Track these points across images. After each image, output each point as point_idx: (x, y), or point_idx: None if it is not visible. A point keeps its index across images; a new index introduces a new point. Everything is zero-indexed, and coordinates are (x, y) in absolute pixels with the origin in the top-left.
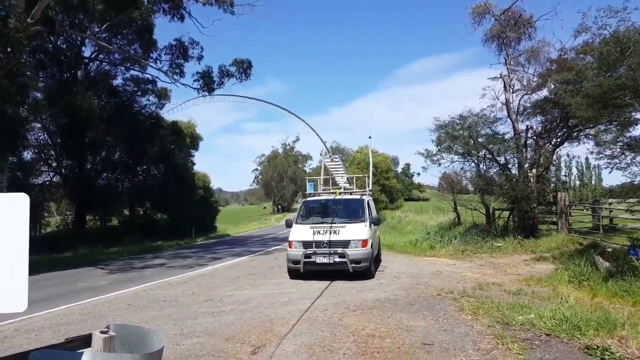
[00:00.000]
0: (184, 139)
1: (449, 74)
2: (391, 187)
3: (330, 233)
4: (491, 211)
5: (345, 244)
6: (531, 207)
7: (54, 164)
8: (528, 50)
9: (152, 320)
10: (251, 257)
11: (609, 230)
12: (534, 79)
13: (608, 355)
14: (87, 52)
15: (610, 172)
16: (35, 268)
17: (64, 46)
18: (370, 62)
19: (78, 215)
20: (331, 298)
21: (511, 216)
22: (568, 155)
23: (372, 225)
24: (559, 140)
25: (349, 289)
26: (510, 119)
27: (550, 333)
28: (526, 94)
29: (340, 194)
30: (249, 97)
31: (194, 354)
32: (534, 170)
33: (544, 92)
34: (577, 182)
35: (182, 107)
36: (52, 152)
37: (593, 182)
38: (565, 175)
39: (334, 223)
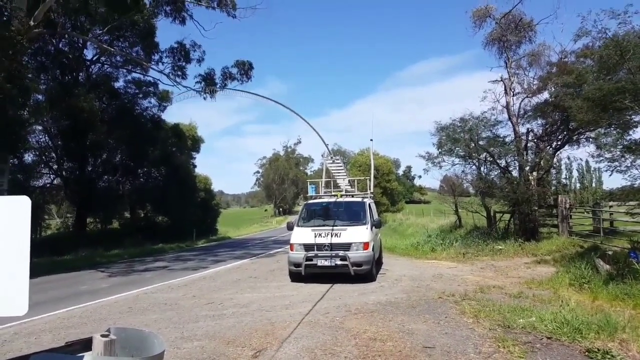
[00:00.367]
0: (185, 141)
1: (450, 76)
2: (392, 189)
3: (331, 236)
4: (492, 214)
5: (347, 246)
6: (532, 210)
7: (55, 167)
8: (529, 54)
9: (152, 324)
10: (252, 260)
11: (609, 233)
12: (535, 82)
13: (609, 358)
14: (89, 54)
15: (610, 175)
16: (35, 271)
17: (66, 48)
18: (370, 64)
19: (79, 218)
20: (332, 301)
21: (512, 219)
22: (569, 158)
23: (374, 228)
24: (559, 143)
25: (351, 291)
26: (511, 122)
27: (551, 336)
28: (527, 97)
29: (341, 196)
30: (252, 93)
31: (195, 357)
32: (534, 173)
33: (545, 95)
34: (578, 185)
35: (189, 96)
36: (53, 155)
37: (594, 185)
38: (565, 178)
39: (336, 226)
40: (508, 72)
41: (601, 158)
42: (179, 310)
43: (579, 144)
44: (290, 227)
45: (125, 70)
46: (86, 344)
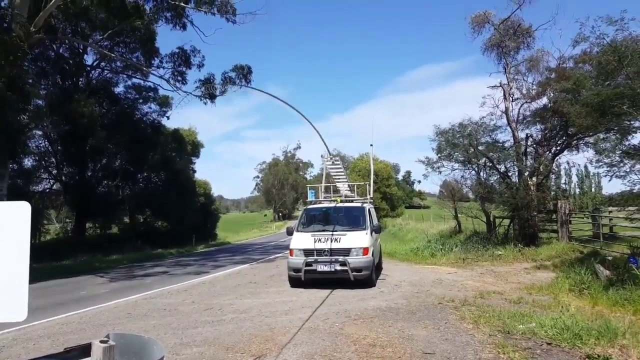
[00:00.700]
0: (185, 146)
1: (450, 81)
2: (392, 194)
3: (331, 241)
4: (492, 219)
5: (347, 252)
6: (531, 215)
7: (55, 172)
8: (527, 59)
9: (152, 329)
10: (252, 265)
11: (609, 239)
12: (534, 88)
13: None
14: (89, 59)
15: (609, 180)
16: (34, 276)
17: (66, 54)
18: (370, 69)
19: (78, 223)
20: (332, 307)
21: (512, 224)
22: (568, 163)
23: (373, 233)
24: (558, 148)
25: (350, 297)
26: (510, 127)
27: (551, 342)
28: (526, 102)
29: (341, 201)
30: (257, 89)
31: None
32: (534, 179)
33: (544, 101)
34: (577, 190)
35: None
36: (53, 160)
37: (593, 190)
38: (565, 183)
39: (335, 231)
40: (507, 77)
41: (600, 163)
42: (178, 316)
43: (578, 149)
44: (289, 232)
45: (125, 76)
46: (85, 350)
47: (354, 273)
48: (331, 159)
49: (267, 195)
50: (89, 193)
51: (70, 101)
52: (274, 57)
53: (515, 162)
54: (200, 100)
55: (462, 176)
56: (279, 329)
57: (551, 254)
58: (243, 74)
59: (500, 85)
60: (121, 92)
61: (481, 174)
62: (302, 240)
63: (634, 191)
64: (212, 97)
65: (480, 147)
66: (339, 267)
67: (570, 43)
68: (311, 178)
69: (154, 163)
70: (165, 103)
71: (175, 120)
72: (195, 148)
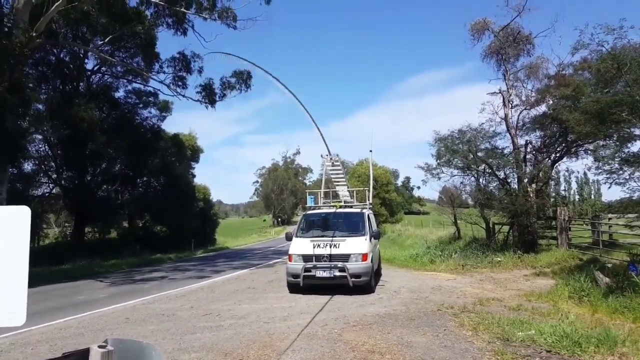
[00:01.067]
0: (185, 151)
1: (450, 88)
2: (391, 200)
3: (330, 247)
4: (491, 225)
5: (346, 257)
6: (531, 221)
7: (54, 176)
8: (527, 66)
9: (150, 335)
10: (250, 271)
11: (608, 246)
12: (533, 95)
13: None
14: (89, 64)
15: (609, 188)
16: (33, 280)
17: (67, 58)
18: (370, 75)
19: (77, 227)
20: (331, 313)
21: (511, 231)
22: (567, 170)
23: (372, 239)
24: (558, 155)
25: (349, 303)
26: (510, 134)
27: (550, 349)
28: (525, 109)
29: (340, 207)
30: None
31: None
32: (533, 185)
33: (543, 108)
34: (577, 197)
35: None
36: (53, 164)
37: (592, 197)
38: (564, 190)
39: (335, 237)
40: (506, 84)
41: (600, 170)
42: (176, 321)
43: (577, 156)
44: (288, 238)
45: (125, 80)
46: (83, 355)
47: (353, 279)
48: (331, 159)
49: (266, 201)
50: (88, 197)
51: (70, 105)
52: (275, 63)
53: (514, 169)
54: (201, 104)
55: (461, 182)
56: (277, 335)
57: (551, 261)
58: (243, 79)
59: (500, 92)
60: (121, 96)
61: (480, 180)
62: (301, 245)
63: (634, 198)
64: (212, 102)
65: (479, 154)
66: (337, 273)
67: (569, 50)
68: (310, 183)
69: (154, 168)
70: (165, 108)
71: (176, 125)
72: (194, 153)
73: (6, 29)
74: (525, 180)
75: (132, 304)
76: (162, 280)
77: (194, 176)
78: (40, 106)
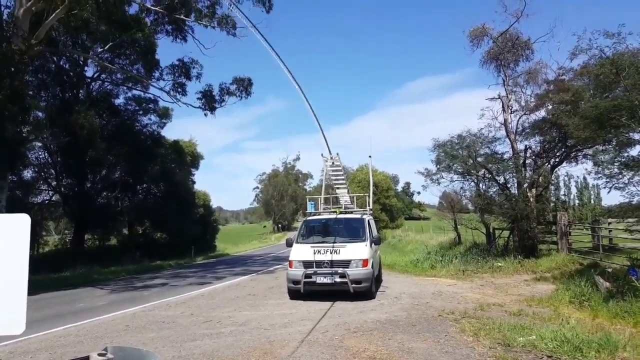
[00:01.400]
0: (185, 158)
1: (449, 93)
2: (391, 206)
3: (330, 253)
4: (491, 230)
5: (346, 263)
6: (531, 226)
7: (54, 183)
8: (526, 72)
9: (150, 342)
10: (251, 277)
11: (609, 250)
12: (532, 100)
13: None
14: (89, 71)
15: (609, 192)
16: (32, 288)
17: (67, 66)
18: (369, 81)
19: (77, 235)
20: (332, 319)
21: (511, 236)
22: (567, 175)
23: (373, 244)
24: (557, 160)
25: (350, 309)
26: (509, 139)
27: (551, 355)
28: (524, 114)
29: (340, 212)
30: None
31: None
32: (533, 190)
33: (542, 113)
34: (577, 202)
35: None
36: (52, 171)
37: (592, 201)
38: (564, 195)
39: (335, 242)
40: (505, 89)
41: (599, 175)
42: (176, 329)
43: (577, 160)
44: (289, 244)
45: (125, 88)
46: None
47: (354, 285)
48: (331, 158)
49: (267, 207)
50: (88, 204)
51: (70, 113)
52: (275, 69)
53: (514, 174)
54: (201, 110)
55: (461, 187)
56: (278, 342)
57: (551, 265)
58: (243, 86)
59: (499, 97)
60: (121, 103)
61: (480, 185)
62: (302, 251)
63: (633, 203)
64: (211, 108)
65: (479, 159)
66: (338, 279)
67: (568, 56)
68: (310, 189)
69: (154, 174)
70: (165, 114)
71: (176, 131)
72: (195, 159)
73: (6, 37)
74: (525, 185)
75: (132, 312)
76: (162, 287)
77: (194, 183)
78: (40, 114)
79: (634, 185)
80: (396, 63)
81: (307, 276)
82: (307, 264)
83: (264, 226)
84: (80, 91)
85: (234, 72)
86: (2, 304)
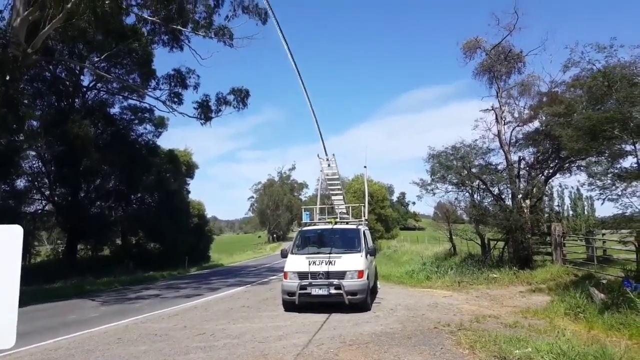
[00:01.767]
0: (180, 167)
1: (444, 104)
2: (387, 216)
3: (326, 264)
4: (486, 241)
5: (341, 275)
6: (525, 237)
7: (47, 192)
8: (519, 84)
9: (142, 356)
10: (245, 289)
11: (603, 261)
12: (525, 112)
13: None
14: (85, 81)
15: (602, 203)
16: (23, 299)
17: (63, 75)
18: (365, 91)
19: (69, 245)
20: (327, 331)
21: (506, 247)
22: (560, 186)
23: (368, 255)
24: (551, 171)
25: (345, 321)
26: (503, 150)
27: None
28: (518, 125)
29: (336, 223)
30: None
31: None
32: (527, 201)
33: (535, 124)
34: (571, 213)
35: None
36: (46, 180)
37: (586, 212)
38: (558, 206)
39: (331, 253)
40: (499, 101)
41: (593, 186)
42: (169, 342)
43: (570, 172)
44: (284, 255)
45: (121, 97)
46: None
47: (349, 297)
48: (327, 159)
49: (262, 217)
50: (81, 214)
51: (65, 122)
52: (272, 78)
53: (508, 185)
54: (197, 120)
55: (455, 198)
56: (272, 355)
57: (546, 277)
58: (240, 97)
59: (493, 109)
60: (117, 112)
61: (475, 196)
62: (297, 262)
63: (626, 214)
64: (207, 118)
65: (473, 170)
66: (333, 291)
67: (560, 68)
68: (306, 199)
69: (148, 184)
70: (160, 124)
71: (171, 140)
72: (189, 169)
73: (3, 45)
74: (519, 196)
75: (124, 324)
76: (155, 299)
77: (188, 192)
78: (34, 122)
79: (627, 197)
80: (392, 73)
81: (302, 287)
82: (302, 275)
83: (259, 236)
84: (76, 100)
85: (231, 82)
86: None
